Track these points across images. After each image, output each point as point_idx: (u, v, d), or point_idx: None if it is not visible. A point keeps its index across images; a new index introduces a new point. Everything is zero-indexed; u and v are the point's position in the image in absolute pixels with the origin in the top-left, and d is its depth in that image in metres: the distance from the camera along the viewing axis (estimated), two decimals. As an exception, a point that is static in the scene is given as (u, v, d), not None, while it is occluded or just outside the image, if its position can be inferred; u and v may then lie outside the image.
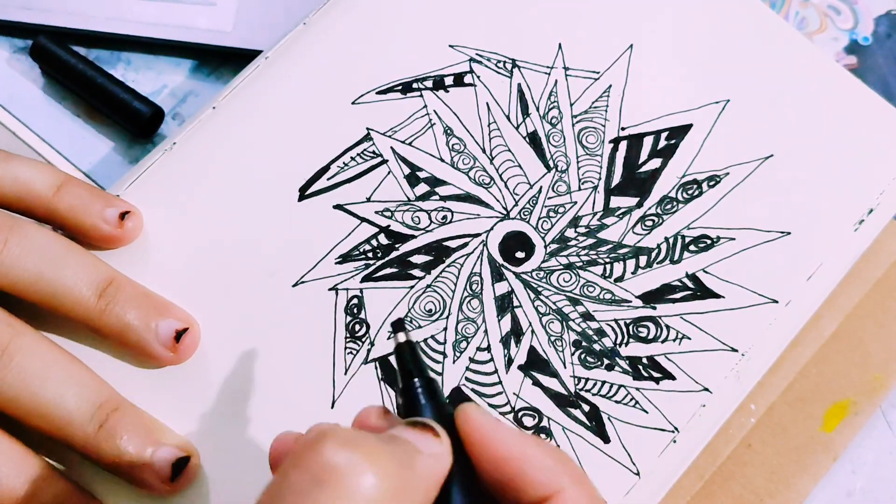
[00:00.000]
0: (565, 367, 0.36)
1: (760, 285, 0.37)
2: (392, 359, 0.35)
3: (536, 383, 0.36)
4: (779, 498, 0.39)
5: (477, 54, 0.40)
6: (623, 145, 0.39)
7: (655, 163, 0.39)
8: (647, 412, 0.36)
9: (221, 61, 0.46)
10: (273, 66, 0.39)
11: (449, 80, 0.39)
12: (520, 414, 0.35)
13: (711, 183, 0.38)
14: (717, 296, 0.37)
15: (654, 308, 0.37)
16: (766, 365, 0.37)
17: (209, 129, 0.38)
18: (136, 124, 0.43)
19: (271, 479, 0.24)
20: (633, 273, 0.37)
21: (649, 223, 0.38)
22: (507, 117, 0.39)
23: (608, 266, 0.37)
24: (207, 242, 0.37)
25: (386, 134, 0.38)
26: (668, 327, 0.37)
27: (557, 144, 0.39)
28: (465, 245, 0.37)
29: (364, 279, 0.37)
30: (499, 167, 0.38)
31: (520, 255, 0.37)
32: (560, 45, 0.40)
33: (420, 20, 0.40)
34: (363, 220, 0.37)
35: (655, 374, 0.36)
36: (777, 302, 0.37)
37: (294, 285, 0.36)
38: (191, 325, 0.35)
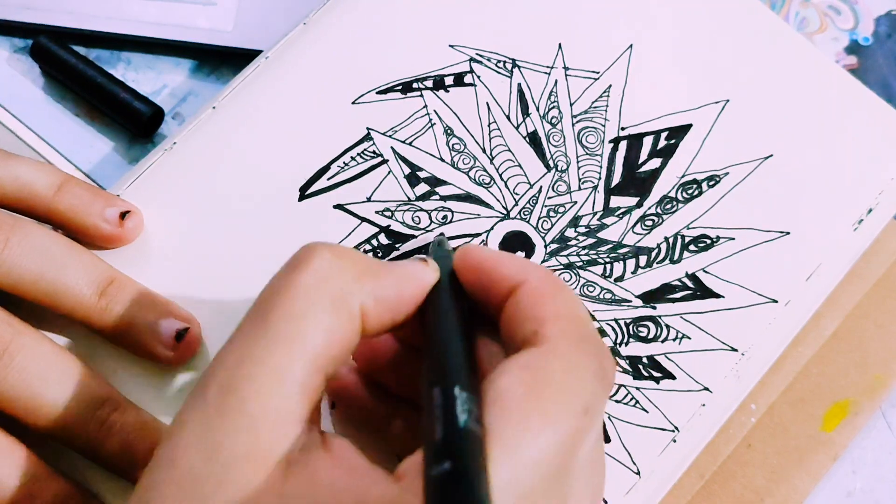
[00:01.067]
0: (565, 367, 0.36)
1: (760, 285, 0.37)
2: None
3: (536, 383, 0.36)
4: (779, 497, 0.39)
5: (477, 54, 0.40)
6: (623, 145, 0.39)
7: (655, 163, 0.39)
8: (647, 412, 0.36)
9: (221, 61, 0.46)
10: (273, 66, 0.39)
11: (449, 80, 0.39)
12: (520, 413, 0.35)
13: (711, 183, 0.38)
14: (716, 295, 0.37)
15: (654, 308, 0.37)
16: (765, 364, 0.37)
17: (209, 129, 0.38)
18: (137, 124, 0.43)
19: None
20: (632, 273, 0.37)
21: (649, 223, 0.38)
22: (508, 117, 0.39)
23: (608, 266, 0.37)
24: (208, 242, 0.37)
25: (386, 134, 0.38)
26: (667, 327, 0.37)
27: (557, 144, 0.39)
28: (466, 245, 0.37)
29: (364, 279, 0.37)
30: (499, 167, 0.38)
31: (520, 254, 0.37)
32: (560, 44, 0.40)
33: (420, 20, 0.40)
34: (363, 219, 0.37)
35: (655, 374, 0.36)
36: (776, 302, 0.37)
37: (294, 285, 0.36)
38: (192, 325, 0.35)
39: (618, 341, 0.36)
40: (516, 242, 0.37)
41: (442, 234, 0.37)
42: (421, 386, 0.27)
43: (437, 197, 0.38)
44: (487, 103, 0.39)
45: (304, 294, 0.27)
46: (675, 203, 0.38)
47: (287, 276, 0.28)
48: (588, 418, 0.26)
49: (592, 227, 0.38)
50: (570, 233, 0.38)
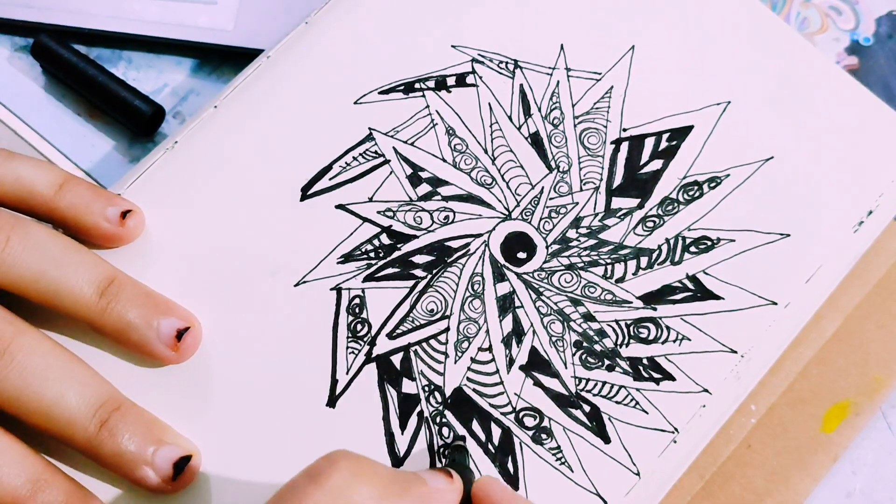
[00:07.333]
0: (566, 368, 0.36)
1: (760, 287, 0.37)
2: (395, 361, 0.36)
3: (537, 384, 0.36)
4: (779, 498, 0.39)
5: (479, 55, 0.40)
6: (624, 146, 0.39)
7: (656, 164, 0.39)
8: (647, 413, 0.36)
9: (223, 60, 0.46)
10: (275, 66, 0.39)
11: (451, 81, 0.39)
12: (521, 414, 0.35)
13: (712, 184, 0.38)
14: (717, 297, 0.37)
15: (655, 309, 0.37)
16: (765, 366, 0.37)
17: (211, 128, 0.38)
18: (137, 123, 0.43)
19: None
20: (633, 274, 0.37)
21: (650, 224, 0.38)
22: (510, 118, 0.39)
23: (609, 267, 0.37)
24: (209, 241, 0.37)
25: (388, 134, 0.38)
26: (668, 328, 0.37)
27: (559, 145, 0.39)
28: (467, 245, 0.37)
29: (366, 279, 0.37)
30: (501, 168, 0.38)
31: (521, 255, 0.37)
32: (562, 45, 0.40)
33: (422, 20, 0.40)
34: (365, 219, 0.37)
35: (656, 375, 0.36)
36: (776, 304, 0.37)
37: (296, 285, 0.36)
38: (192, 324, 0.35)
39: (618, 342, 0.36)
40: (518, 243, 0.38)
41: (462, 440, 0.35)
42: None
43: (438, 197, 0.38)
44: (489, 104, 0.39)
45: None
46: (676, 204, 0.38)
47: (304, 490, 0.27)
48: None
49: (594, 228, 0.38)
50: (571, 234, 0.38)
